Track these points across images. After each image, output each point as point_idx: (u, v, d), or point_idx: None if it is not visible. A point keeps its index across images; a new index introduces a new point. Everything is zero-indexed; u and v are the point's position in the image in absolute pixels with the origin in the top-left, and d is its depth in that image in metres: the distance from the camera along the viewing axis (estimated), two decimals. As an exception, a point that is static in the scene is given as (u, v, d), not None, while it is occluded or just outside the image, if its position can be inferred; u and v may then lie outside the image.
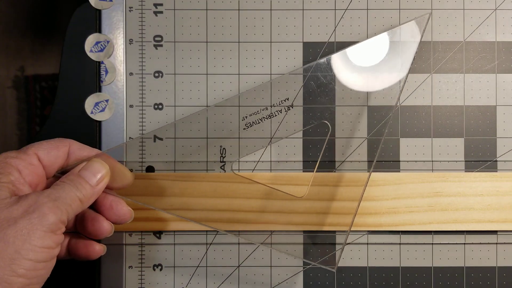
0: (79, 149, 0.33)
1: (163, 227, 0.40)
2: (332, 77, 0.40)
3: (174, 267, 0.41)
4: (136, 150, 0.41)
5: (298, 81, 0.41)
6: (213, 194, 0.39)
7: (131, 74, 0.41)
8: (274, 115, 0.40)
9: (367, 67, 0.40)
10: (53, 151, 0.32)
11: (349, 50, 0.39)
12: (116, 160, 0.35)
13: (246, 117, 0.40)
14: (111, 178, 0.33)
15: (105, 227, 0.33)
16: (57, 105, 0.40)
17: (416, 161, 0.41)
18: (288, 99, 0.40)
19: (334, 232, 0.40)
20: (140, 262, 0.40)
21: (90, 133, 0.40)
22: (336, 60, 0.39)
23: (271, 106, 0.40)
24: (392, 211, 0.40)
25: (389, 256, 0.40)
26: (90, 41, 0.40)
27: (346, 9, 0.41)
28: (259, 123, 0.40)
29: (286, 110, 0.40)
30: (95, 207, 0.34)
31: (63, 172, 0.33)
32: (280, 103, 0.40)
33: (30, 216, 0.28)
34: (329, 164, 0.41)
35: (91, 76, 0.40)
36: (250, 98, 0.40)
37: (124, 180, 0.35)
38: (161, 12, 0.41)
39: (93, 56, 0.40)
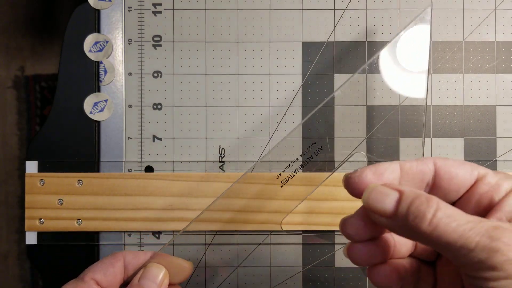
0: (134, 258, 0.33)
1: (162, 227, 0.40)
2: (332, 77, 0.40)
3: (173, 267, 0.41)
4: (136, 151, 0.41)
5: (297, 81, 0.41)
6: (212, 194, 0.39)
7: (130, 74, 0.41)
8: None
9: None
10: (109, 270, 0.32)
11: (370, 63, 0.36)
12: (171, 255, 0.34)
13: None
14: (171, 275, 0.33)
15: None
16: (56, 105, 0.40)
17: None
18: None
19: (333, 232, 0.40)
20: (139, 262, 0.40)
21: (89, 133, 0.40)
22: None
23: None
24: (392, 211, 0.39)
25: (388, 256, 0.40)
26: (89, 41, 0.40)
27: (345, 9, 0.41)
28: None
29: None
30: None
31: (125, 284, 0.33)
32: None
33: None
34: (329, 164, 0.40)
35: (90, 76, 0.40)
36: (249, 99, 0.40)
37: (184, 272, 0.34)
38: (160, 12, 0.41)
39: (92, 56, 0.40)
